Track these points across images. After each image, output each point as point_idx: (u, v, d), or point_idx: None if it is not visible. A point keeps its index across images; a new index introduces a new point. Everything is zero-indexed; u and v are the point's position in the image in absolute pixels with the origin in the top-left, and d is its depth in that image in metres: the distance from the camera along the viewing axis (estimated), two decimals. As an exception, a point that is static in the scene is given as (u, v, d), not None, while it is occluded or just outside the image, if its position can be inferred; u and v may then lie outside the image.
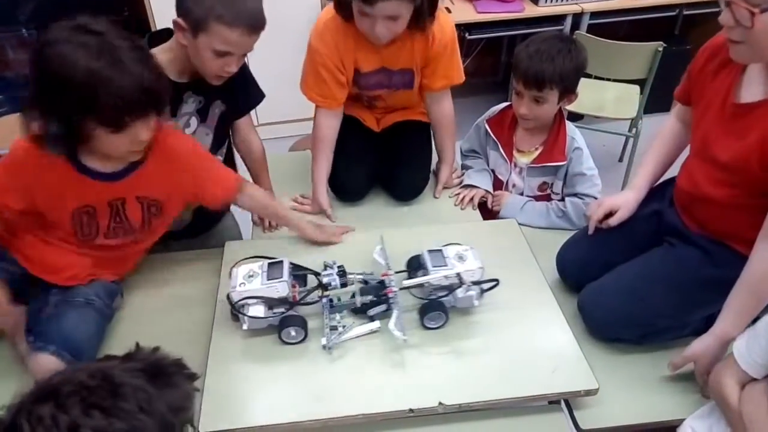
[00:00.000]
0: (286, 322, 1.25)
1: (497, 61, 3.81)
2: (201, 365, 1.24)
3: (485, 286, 1.31)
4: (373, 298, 1.30)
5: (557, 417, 1.22)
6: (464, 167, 1.93)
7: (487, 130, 1.82)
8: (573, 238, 1.59)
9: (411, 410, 1.16)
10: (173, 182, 1.34)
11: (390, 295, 1.28)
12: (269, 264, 1.30)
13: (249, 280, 1.27)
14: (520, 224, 1.65)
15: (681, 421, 1.20)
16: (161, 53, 1.41)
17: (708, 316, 1.38)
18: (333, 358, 1.25)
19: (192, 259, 1.58)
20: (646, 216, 1.50)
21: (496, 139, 1.80)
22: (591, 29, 2.94)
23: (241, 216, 1.86)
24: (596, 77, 2.89)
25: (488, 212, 1.82)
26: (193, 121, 1.52)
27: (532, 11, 2.97)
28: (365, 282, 1.34)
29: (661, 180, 1.55)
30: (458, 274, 1.28)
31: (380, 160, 1.84)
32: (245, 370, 1.23)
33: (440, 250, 1.33)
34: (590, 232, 1.52)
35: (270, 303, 1.26)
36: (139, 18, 2.68)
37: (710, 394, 1.14)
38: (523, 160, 1.78)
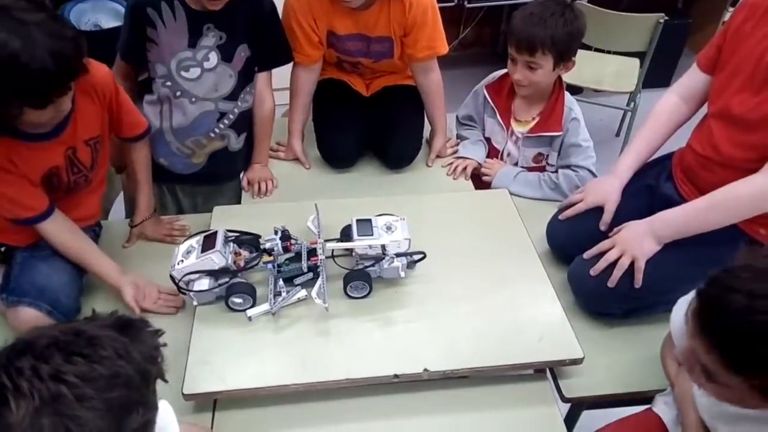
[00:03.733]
0: (231, 290, 1.25)
1: (497, 31, 3.74)
2: (186, 328, 1.24)
3: (416, 257, 1.31)
4: (300, 266, 1.28)
5: (542, 385, 1.24)
6: (459, 137, 1.91)
7: (485, 96, 1.79)
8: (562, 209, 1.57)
9: (396, 375, 1.16)
10: (102, 111, 1.33)
11: (317, 263, 1.27)
12: (204, 237, 1.29)
13: (187, 256, 1.26)
14: (511, 194, 1.64)
15: (661, 391, 1.21)
16: None
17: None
18: (319, 323, 1.25)
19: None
20: (636, 191, 1.48)
21: (494, 106, 1.77)
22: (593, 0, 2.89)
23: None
24: (596, 49, 2.85)
25: (481, 183, 1.81)
26: (213, 56, 1.52)
27: (533, -20, 2.91)
28: (299, 250, 1.32)
29: (655, 156, 1.52)
30: (382, 245, 1.27)
31: (371, 126, 1.82)
32: (231, 333, 1.23)
33: (369, 220, 1.32)
34: (562, 216, 1.50)
35: (214, 274, 1.26)
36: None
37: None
38: (520, 129, 1.76)
